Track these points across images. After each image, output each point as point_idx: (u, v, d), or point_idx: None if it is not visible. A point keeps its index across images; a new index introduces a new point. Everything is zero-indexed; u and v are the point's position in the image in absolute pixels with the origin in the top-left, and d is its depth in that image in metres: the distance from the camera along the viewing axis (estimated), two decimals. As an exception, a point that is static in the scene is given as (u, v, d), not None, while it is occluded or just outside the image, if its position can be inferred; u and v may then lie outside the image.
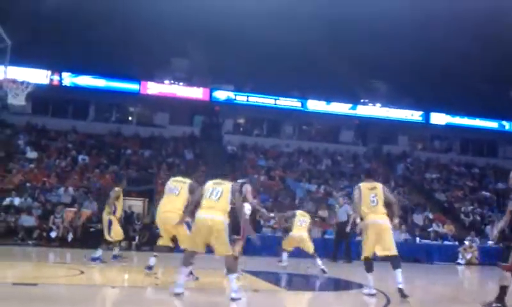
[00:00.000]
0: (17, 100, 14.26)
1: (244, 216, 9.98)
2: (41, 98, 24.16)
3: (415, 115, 31.26)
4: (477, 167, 30.47)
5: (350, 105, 30.44)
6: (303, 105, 29.87)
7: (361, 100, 31.51)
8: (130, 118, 30.44)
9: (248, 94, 29.27)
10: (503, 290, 7.20)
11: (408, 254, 17.47)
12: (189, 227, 8.36)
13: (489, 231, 21.45)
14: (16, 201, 17.52)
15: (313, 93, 30.01)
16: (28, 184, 19.25)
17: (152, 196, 20.56)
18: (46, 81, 25.80)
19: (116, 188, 11.61)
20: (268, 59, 26.43)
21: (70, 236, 16.21)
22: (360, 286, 8.47)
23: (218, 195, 7.21)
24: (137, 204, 20.93)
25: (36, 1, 22.79)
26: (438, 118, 31.55)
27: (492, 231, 19.97)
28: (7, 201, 17.45)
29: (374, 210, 8.06)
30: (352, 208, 12.24)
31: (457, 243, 19.19)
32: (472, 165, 30.62)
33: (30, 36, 21.02)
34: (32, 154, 22.18)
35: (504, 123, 32.43)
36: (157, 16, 24.70)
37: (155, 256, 9.08)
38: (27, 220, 16.43)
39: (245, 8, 24.45)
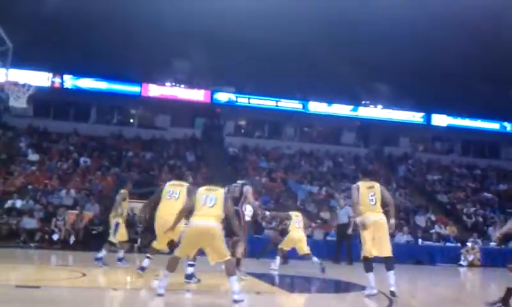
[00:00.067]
0: (19, 102, 14.28)
1: (245, 217, 10.01)
2: (42, 100, 24.21)
3: (416, 116, 31.27)
4: (478, 169, 30.43)
5: (351, 107, 30.45)
6: (304, 107, 29.88)
7: (363, 102, 31.51)
8: (131, 120, 30.47)
9: (249, 96, 29.27)
10: (510, 291, 7.16)
11: (410, 256, 17.57)
12: None
13: (491, 233, 21.43)
14: (18, 203, 17.52)
15: (315, 94, 30.02)
16: (30, 186, 19.25)
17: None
18: (47, 84, 25.84)
19: (122, 191, 11.67)
20: (269, 60, 26.43)
21: (72, 239, 16.18)
22: (363, 288, 8.45)
23: (212, 202, 7.21)
24: (138, 207, 20.86)
25: (38, 4, 22.81)
26: (439, 120, 31.55)
27: (495, 233, 19.99)
28: (9, 203, 17.44)
29: (372, 209, 8.05)
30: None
31: (459, 244, 19.15)
32: (474, 167, 30.59)
33: (31, 39, 21.02)
34: (33, 156, 22.20)
35: (506, 124, 32.40)
36: (157, 18, 24.72)
37: (148, 257, 9.07)
38: (29, 223, 16.42)
39: (246, 10, 24.46)
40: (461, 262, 17.82)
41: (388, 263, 7.85)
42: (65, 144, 24.27)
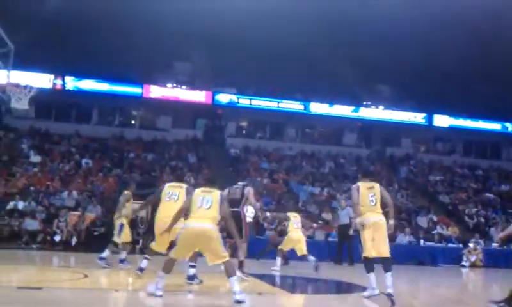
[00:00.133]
0: (20, 104, 14.30)
1: (246, 218, 10.02)
2: (44, 102, 24.24)
3: (418, 117, 31.24)
4: (480, 169, 30.41)
5: (353, 108, 30.44)
6: (305, 108, 29.88)
7: (364, 103, 31.48)
8: (133, 122, 30.50)
9: (251, 97, 29.29)
10: None
11: (412, 257, 17.57)
12: None
13: (493, 233, 21.41)
14: (20, 204, 17.56)
15: (316, 95, 30.03)
16: (32, 188, 19.29)
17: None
18: (49, 85, 25.88)
19: (126, 192, 11.69)
20: (270, 61, 26.44)
21: (74, 240, 16.22)
22: (364, 289, 8.43)
23: (209, 204, 7.20)
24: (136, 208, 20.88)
25: (39, 5, 22.84)
26: (441, 120, 31.52)
27: (497, 234, 19.95)
28: (11, 205, 17.49)
29: (372, 210, 8.03)
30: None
31: (461, 245, 19.14)
32: (476, 167, 30.56)
33: (33, 40, 21.06)
34: (35, 158, 22.24)
35: (507, 124, 32.36)
36: (159, 19, 24.74)
37: (146, 258, 9.07)
38: (31, 224, 16.46)
39: (247, 11, 24.48)
40: (463, 263, 17.80)
41: (386, 264, 7.84)
42: (67, 145, 24.30)
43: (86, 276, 9.44)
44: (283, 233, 13.61)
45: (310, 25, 25.23)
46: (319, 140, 31.93)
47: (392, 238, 18.40)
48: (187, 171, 22.05)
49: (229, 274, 6.98)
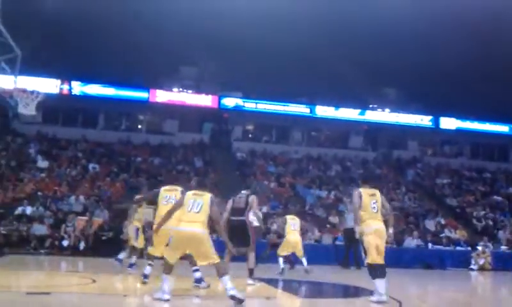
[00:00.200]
0: (27, 109, 14.35)
1: (251, 224, 10.00)
2: (51, 107, 24.32)
3: (425, 120, 31.10)
4: (488, 172, 30.24)
5: (359, 111, 30.36)
6: (311, 111, 29.84)
7: (370, 106, 31.43)
8: (139, 126, 30.59)
9: (257, 101, 29.30)
10: None
11: (420, 260, 17.47)
12: None
13: (501, 236, 21.28)
14: (28, 210, 17.63)
15: (322, 98, 30.00)
16: (39, 193, 19.36)
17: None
18: (56, 90, 25.99)
19: (138, 197, 11.73)
20: (276, 65, 26.51)
21: (82, 245, 16.25)
22: (371, 293, 8.38)
23: (199, 207, 7.26)
24: (146, 212, 20.92)
25: (46, 11, 23.00)
26: (448, 123, 31.38)
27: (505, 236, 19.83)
28: (19, 210, 17.56)
29: (374, 217, 7.99)
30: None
31: (469, 248, 19.01)
32: (483, 170, 30.39)
33: (40, 46, 21.21)
34: (43, 163, 22.33)
35: (515, 126, 32.20)
36: (164, 25, 24.87)
37: (150, 265, 9.07)
38: (39, 229, 16.51)
39: (252, 15, 24.55)
40: (472, 266, 17.68)
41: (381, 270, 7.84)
42: (74, 150, 24.38)
43: (94, 281, 9.45)
44: (280, 235, 13.60)
45: (316, 29, 25.27)
46: (325, 143, 31.89)
47: (399, 241, 18.46)
48: (193, 175, 22.07)
49: (220, 274, 7.06)
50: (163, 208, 8.84)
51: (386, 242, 8.11)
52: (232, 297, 6.88)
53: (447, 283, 13.52)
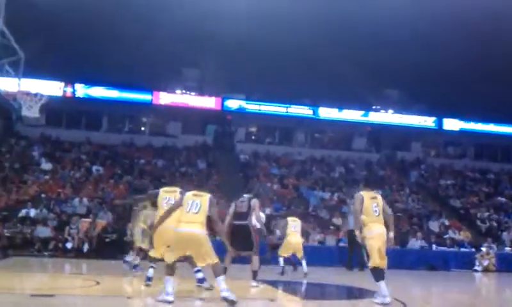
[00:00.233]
0: (31, 112, 14.39)
1: (255, 227, 9.99)
2: (55, 109, 24.39)
3: (428, 121, 31.07)
4: (492, 173, 30.17)
5: (362, 112, 30.36)
6: (314, 113, 29.85)
7: (374, 107, 31.40)
8: (142, 128, 30.66)
9: (260, 102, 29.33)
10: None
11: (424, 262, 17.44)
12: None
13: (506, 238, 21.22)
14: (32, 212, 17.67)
15: (325, 100, 29.98)
16: (43, 195, 19.42)
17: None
18: (59, 93, 26.08)
19: (137, 196, 11.74)
20: (279, 67, 26.47)
21: (86, 247, 16.28)
22: (375, 294, 8.37)
23: (197, 208, 7.26)
24: (150, 214, 20.96)
25: (49, 14, 23.05)
26: (451, 124, 31.34)
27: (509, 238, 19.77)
28: (23, 212, 17.61)
29: (376, 220, 7.95)
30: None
31: (473, 250, 18.96)
32: (487, 171, 30.33)
33: (43, 49, 21.22)
34: (47, 165, 22.39)
35: (519, 127, 32.11)
36: (167, 27, 24.86)
37: (152, 267, 9.07)
38: (43, 232, 16.55)
39: (255, 17, 24.54)
40: (476, 267, 17.63)
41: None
42: (77, 152, 24.45)
43: (98, 283, 9.46)
44: (281, 237, 13.60)
45: (318, 30, 25.24)
46: (329, 145, 31.89)
47: (403, 243, 18.44)
48: (196, 177, 22.10)
49: (217, 274, 7.07)
50: (163, 209, 8.85)
51: (388, 246, 8.09)
52: (224, 299, 6.88)
53: (451, 285, 13.49)
